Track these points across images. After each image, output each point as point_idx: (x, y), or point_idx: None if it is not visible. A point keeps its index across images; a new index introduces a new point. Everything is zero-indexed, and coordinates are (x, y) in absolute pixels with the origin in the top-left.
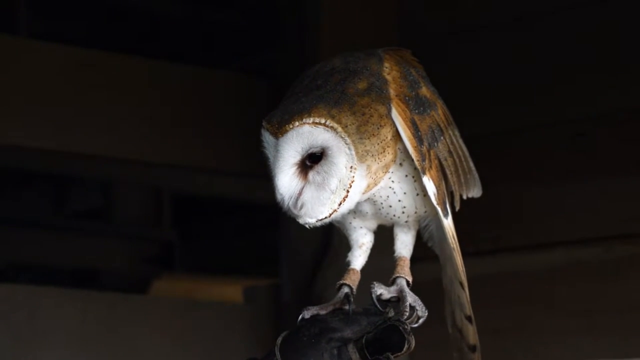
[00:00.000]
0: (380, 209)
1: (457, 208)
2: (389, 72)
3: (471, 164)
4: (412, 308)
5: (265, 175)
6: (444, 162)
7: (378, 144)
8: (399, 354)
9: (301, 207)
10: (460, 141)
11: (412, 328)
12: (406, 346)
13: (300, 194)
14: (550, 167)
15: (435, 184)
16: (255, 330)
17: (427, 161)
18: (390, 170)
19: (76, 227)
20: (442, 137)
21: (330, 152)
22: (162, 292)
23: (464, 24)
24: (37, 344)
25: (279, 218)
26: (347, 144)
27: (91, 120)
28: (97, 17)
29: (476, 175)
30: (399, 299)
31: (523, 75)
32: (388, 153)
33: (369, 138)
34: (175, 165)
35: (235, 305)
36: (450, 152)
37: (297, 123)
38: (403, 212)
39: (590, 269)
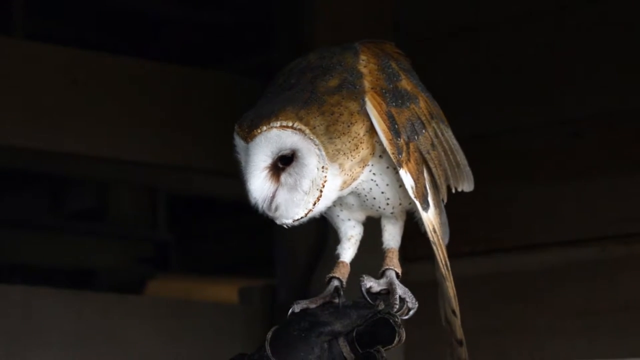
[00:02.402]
0: (365, 201)
1: (445, 201)
2: (366, 64)
3: (459, 158)
4: (402, 300)
5: None
6: (426, 155)
7: (349, 141)
8: (389, 346)
9: (276, 209)
10: (448, 135)
11: (402, 320)
12: (397, 339)
13: (273, 196)
14: (546, 167)
15: (413, 177)
16: (251, 330)
17: (404, 154)
18: (370, 163)
19: (72, 227)
20: (424, 131)
21: (300, 154)
22: (158, 293)
23: (461, 24)
24: (32, 344)
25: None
26: (316, 145)
27: (86, 121)
28: (93, 18)
29: (467, 170)
30: (389, 292)
31: (520, 75)
32: (362, 149)
33: (339, 137)
34: (171, 166)
35: (231, 305)
36: (433, 145)
37: (265, 127)
38: (387, 204)
39: (586, 269)
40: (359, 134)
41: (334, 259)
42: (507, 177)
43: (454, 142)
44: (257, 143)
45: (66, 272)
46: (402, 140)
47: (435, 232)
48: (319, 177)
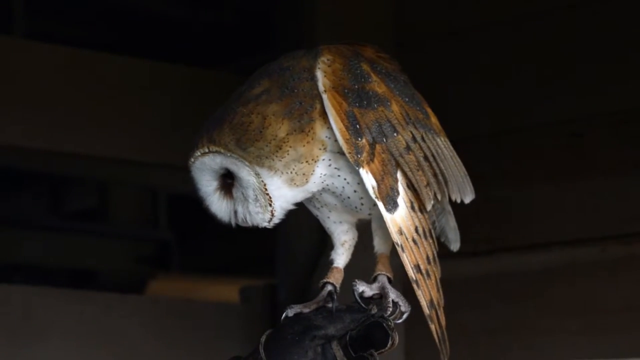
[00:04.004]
0: (343, 200)
1: (428, 208)
2: (331, 64)
3: (443, 167)
4: (395, 304)
5: None
6: (399, 159)
7: (266, 146)
8: (382, 350)
9: (244, 221)
10: (435, 142)
11: (397, 324)
12: (390, 342)
13: (235, 211)
14: (547, 167)
15: (376, 178)
16: (251, 330)
17: (365, 154)
18: (323, 158)
19: (72, 227)
20: (395, 134)
21: (231, 169)
22: (159, 292)
23: (462, 23)
24: (33, 344)
25: None
26: (236, 158)
27: (87, 120)
28: (94, 18)
29: (460, 181)
30: (382, 296)
31: (520, 75)
32: (289, 147)
33: (252, 144)
34: (172, 166)
35: (231, 305)
36: (409, 149)
37: (192, 159)
38: (362, 204)
39: (587, 269)
40: (276, 136)
41: (329, 264)
42: (507, 177)
43: (443, 151)
44: (194, 172)
45: (67, 272)
46: (364, 140)
47: (401, 234)
48: (257, 182)
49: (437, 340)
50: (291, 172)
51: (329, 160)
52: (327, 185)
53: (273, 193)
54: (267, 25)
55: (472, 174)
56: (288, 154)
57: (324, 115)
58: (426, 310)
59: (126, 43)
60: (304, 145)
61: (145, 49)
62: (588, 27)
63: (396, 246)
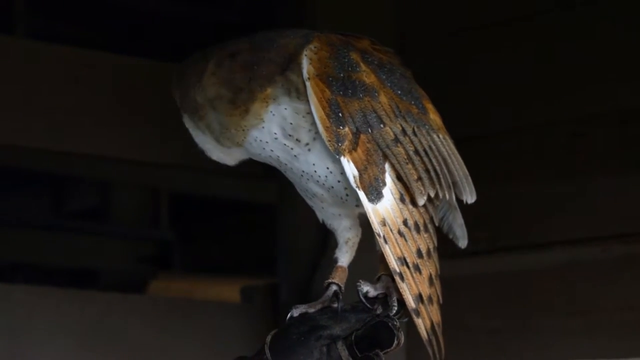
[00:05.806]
0: (328, 190)
1: (420, 202)
2: (317, 51)
3: (436, 163)
4: (401, 304)
5: (263, 176)
6: (386, 150)
7: (189, 105)
8: (388, 350)
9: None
10: (429, 138)
11: (401, 324)
12: (395, 342)
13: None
14: (548, 166)
15: (358, 167)
16: (253, 330)
17: (347, 142)
18: (262, 126)
19: (73, 227)
20: (381, 125)
21: None
22: (160, 292)
23: (462, 24)
24: (34, 344)
25: (277, 218)
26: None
27: (88, 120)
28: (95, 17)
29: (458, 181)
30: (386, 296)
31: (521, 75)
32: (205, 114)
33: (183, 98)
34: (173, 165)
35: (233, 304)
36: (398, 141)
37: None
38: (347, 195)
39: (588, 268)
40: (196, 100)
41: (333, 262)
42: (507, 177)
43: (439, 148)
44: None
45: (68, 271)
46: (346, 129)
47: (385, 225)
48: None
49: (424, 337)
50: (214, 134)
51: (275, 134)
52: (309, 173)
53: (204, 146)
54: (268, 25)
55: (472, 173)
56: (205, 118)
57: (274, 100)
58: (411, 304)
59: (127, 42)
60: (229, 116)
61: (146, 49)
62: (588, 26)
63: (377, 237)
